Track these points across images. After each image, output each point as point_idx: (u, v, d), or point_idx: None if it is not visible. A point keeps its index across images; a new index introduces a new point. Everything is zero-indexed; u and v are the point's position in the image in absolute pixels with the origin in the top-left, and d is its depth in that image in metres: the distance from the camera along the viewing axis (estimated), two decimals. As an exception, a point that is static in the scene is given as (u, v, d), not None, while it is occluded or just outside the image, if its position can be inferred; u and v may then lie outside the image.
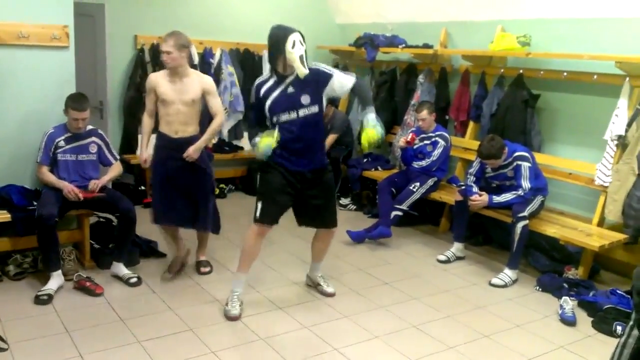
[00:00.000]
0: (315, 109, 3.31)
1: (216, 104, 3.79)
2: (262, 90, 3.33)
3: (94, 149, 3.88)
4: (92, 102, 5.35)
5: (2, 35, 3.68)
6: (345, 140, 5.97)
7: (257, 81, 3.41)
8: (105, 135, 4.00)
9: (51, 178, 3.71)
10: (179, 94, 3.67)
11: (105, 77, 5.44)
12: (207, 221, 3.93)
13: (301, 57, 3.18)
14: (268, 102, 3.29)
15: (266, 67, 6.06)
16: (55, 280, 3.55)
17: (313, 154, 3.40)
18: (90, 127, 3.86)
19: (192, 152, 3.69)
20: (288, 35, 3.19)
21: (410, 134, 4.96)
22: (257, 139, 3.37)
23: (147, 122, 3.84)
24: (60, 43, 3.90)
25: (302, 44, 3.21)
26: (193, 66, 5.76)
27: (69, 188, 3.65)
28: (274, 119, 3.30)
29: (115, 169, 3.99)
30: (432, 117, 4.96)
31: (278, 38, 3.22)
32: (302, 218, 3.59)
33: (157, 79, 3.71)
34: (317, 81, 3.30)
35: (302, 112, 3.28)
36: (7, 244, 3.73)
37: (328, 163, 3.56)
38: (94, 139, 3.89)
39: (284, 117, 3.28)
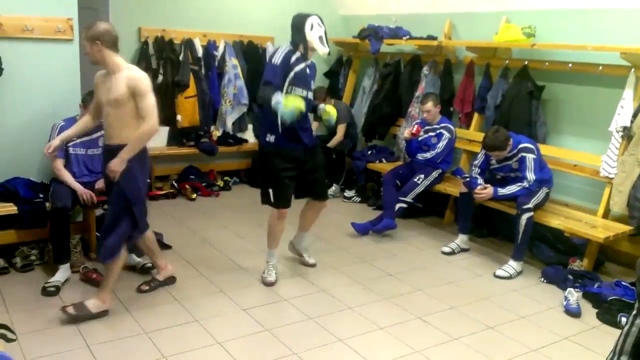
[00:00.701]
0: (312, 95, 3.66)
1: (145, 107, 3.08)
2: (293, 59, 3.47)
3: (102, 142, 3.87)
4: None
5: (7, 29, 3.69)
6: (349, 132, 5.97)
7: (285, 49, 3.48)
8: None
9: (67, 178, 3.70)
10: (106, 93, 3.14)
11: (109, 70, 5.43)
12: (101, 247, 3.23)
13: (320, 38, 3.47)
14: (295, 70, 3.47)
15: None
16: (63, 272, 3.57)
17: (309, 133, 3.70)
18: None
19: (113, 165, 3.07)
20: (306, 18, 3.46)
21: (415, 126, 4.95)
22: (279, 97, 3.29)
23: (81, 119, 3.50)
24: (64, 36, 3.91)
25: (320, 26, 3.49)
26: (197, 59, 5.81)
27: (82, 190, 3.66)
28: (290, 89, 3.48)
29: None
30: (437, 109, 4.95)
31: (298, 23, 3.49)
32: (300, 191, 3.80)
33: (98, 77, 3.24)
34: (314, 76, 3.68)
35: (309, 95, 3.60)
36: (13, 236, 3.75)
37: (317, 140, 3.85)
38: (102, 132, 3.87)
39: (299, 91, 3.52)
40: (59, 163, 3.73)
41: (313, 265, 4.07)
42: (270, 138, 3.55)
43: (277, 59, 3.42)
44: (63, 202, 3.53)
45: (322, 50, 3.47)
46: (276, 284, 3.76)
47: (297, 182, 3.71)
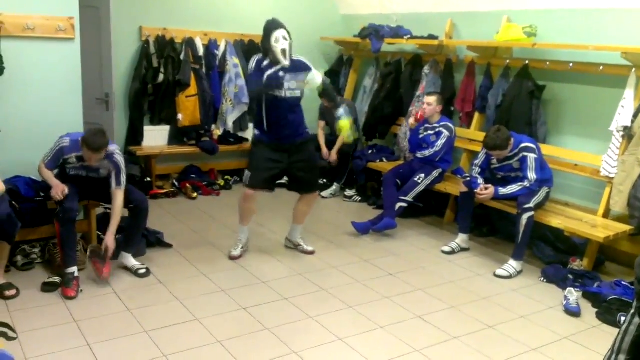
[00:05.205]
0: (298, 93, 3.91)
1: None
2: (263, 64, 3.84)
3: (104, 172, 3.68)
4: (97, 94, 5.43)
5: (8, 27, 3.69)
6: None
7: (257, 57, 3.91)
8: (121, 161, 3.66)
9: (46, 175, 3.59)
10: None
11: (110, 68, 5.44)
12: None
13: (283, 51, 3.77)
14: (268, 73, 3.79)
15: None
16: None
17: (295, 128, 3.99)
18: (111, 147, 3.60)
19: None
20: (273, 31, 3.78)
21: (418, 113, 4.95)
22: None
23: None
24: (65, 35, 3.91)
25: (285, 39, 3.79)
26: (198, 58, 5.82)
27: (59, 189, 3.50)
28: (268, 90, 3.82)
29: (117, 213, 3.64)
30: (438, 108, 4.94)
31: (266, 32, 3.83)
32: (291, 184, 4.21)
33: None
34: (301, 69, 3.90)
35: (289, 94, 3.86)
36: (14, 234, 3.75)
37: (309, 134, 4.17)
38: (106, 163, 3.62)
39: (276, 92, 3.81)
40: (43, 167, 3.61)
41: (312, 252, 4.29)
42: (256, 132, 4.04)
43: (252, 67, 3.89)
44: (69, 203, 3.51)
45: (283, 62, 3.78)
46: (275, 284, 3.77)
47: (287, 176, 4.12)
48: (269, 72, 3.79)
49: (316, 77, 3.92)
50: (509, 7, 5.11)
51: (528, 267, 4.22)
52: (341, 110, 4.07)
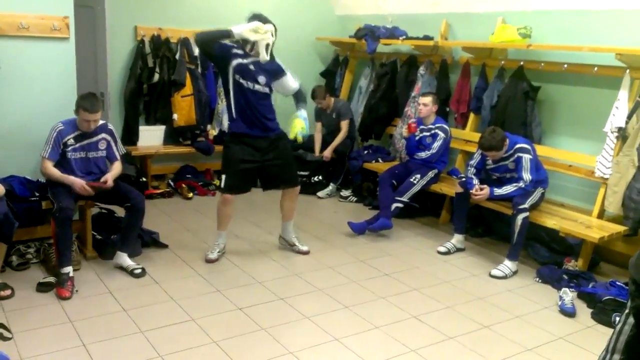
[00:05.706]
0: (267, 90, 3.90)
1: None
2: (234, 50, 3.79)
3: (103, 145, 3.78)
4: (93, 94, 5.41)
5: (2, 27, 3.68)
6: (350, 131, 5.95)
7: (229, 42, 3.81)
8: (114, 130, 3.89)
9: (56, 174, 3.58)
10: None
11: (105, 68, 5.43)
12: None
13: (267, 46, 3.74)
14: (237, 61, 3.78)
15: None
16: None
17: (265, 123, 3.92)
18: (100, 121, 3.72)
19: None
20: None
21: (413, 125, 4.96)
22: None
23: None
24: (60, 34, 3.90)
25: (272, 35, 3.75)
26: (193, 58, 5.80)
27: (79, 184, 3.55)
28: (237, 77, 3.80)
29: (117, 167, 3.85)
30: (433, 108, 4.95)
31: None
32: (266, 182, 4.15)
33: None
34: (274, 71, 3.91)
35: (257, 87, 3.85)
36: (9, 234, 3.74)
37: (281, 131, 4.06)
38: (103, 135, 3.78)
39: (244, 82, 3.80)
40: (49, 164, 3.59)
41: (307, 252, 4.28)
42: (230, 124, 4.02)
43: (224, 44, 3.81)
44: (66, 202, 3.47)
45: (263, 57, 3.75)
46: (271, 285, 3.77)
47: (262, 174, 4.04)
48: (243, 60, 3.77)
49: (291, 82, 4.00)
50: (504, 8, 5.13)
51: (523, 268, 4.24)
52: (302, 111, 4.01)
